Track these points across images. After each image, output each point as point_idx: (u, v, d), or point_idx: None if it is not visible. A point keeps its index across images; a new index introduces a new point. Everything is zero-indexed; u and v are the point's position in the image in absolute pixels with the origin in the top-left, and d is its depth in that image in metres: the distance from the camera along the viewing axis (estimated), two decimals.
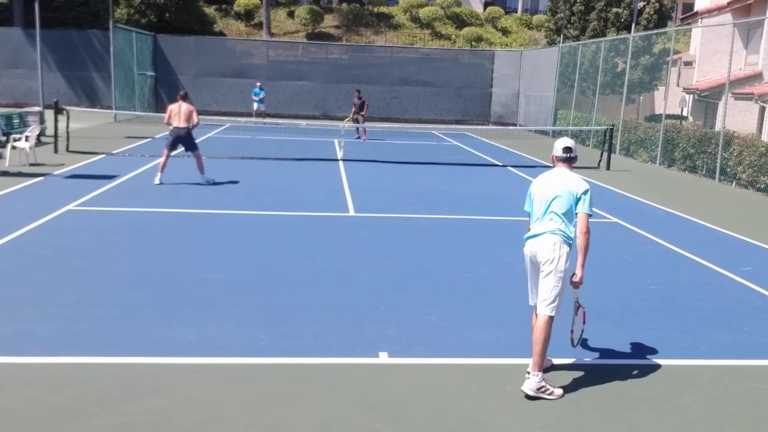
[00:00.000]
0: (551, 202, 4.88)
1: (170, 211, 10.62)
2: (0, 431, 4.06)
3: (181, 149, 13.51)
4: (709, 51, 25.61)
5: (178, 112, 12.83)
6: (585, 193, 4.85)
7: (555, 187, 4.91)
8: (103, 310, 6.07)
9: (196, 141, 13.45)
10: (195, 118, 12.97)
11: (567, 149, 5.02)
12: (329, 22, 39.74)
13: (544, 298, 4.83)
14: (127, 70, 28.61)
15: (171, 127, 12.92)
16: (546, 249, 4.82)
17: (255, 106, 28.32)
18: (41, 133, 17.77)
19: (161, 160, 12.98)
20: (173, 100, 13.34)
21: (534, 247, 4.90)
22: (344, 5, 41.21)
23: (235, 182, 13.42)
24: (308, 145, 21.35)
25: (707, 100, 24.70)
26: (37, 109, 19.78)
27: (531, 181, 5.31)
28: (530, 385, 4.71)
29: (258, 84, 28.99)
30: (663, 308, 6.83)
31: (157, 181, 12.73)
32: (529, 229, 5.05)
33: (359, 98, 23.31)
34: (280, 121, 24.47)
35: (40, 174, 13.32)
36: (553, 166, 5.15)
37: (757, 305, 7.08)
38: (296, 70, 33.67)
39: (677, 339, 6.00)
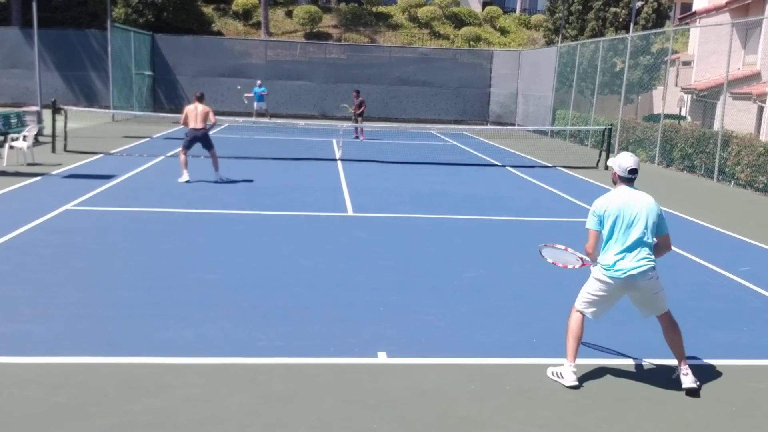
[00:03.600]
0: (637, 225, 4.84)
1: (168, 210, 10.61)
2: (0, 431, 4.06)
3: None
4: (708, 51, 25.64)
5: (195, 114, 12.88)
6: (661, 212, 4.96)
7: (638, 209, 4.86)
8: (101, 310, 6.06)
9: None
10: (212, 118, 13.08)
11: (633, 171, 4.93)
12: (328, 22, 39.72)
13: (662, 307, 5.07)
14: (125, 70, 28.58)
15: (187, 129, 12.97)
16: (652, 281, 4.89)
17: (255, 105, 27.50)
18: (39, 133, 17.75)
19: (181, 158, 13.15)
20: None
21: (636, 282, 4.85)
22: (343, 5, 41.19)
23: (234, 182, 13.41)
24: (307, 144, 21.35)
25: (705, 99, 24.72)
26: (34, 108, 19.76)
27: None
28: (694, 378, 4.93)
29: (258, 82, 28.24)
30: None
31: (185, 178, 12.92)
32: (596, 250, 5.00)
33: (357, 98, 23.39)
34: (279, 120, 24.44)
35: (38, 174, 13.30)
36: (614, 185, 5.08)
37: (755, 305, 7.09)
38: (295, 69, 33.66)
39: None
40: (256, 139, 22.35)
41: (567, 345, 5.02)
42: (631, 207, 4.87)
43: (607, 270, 4.89)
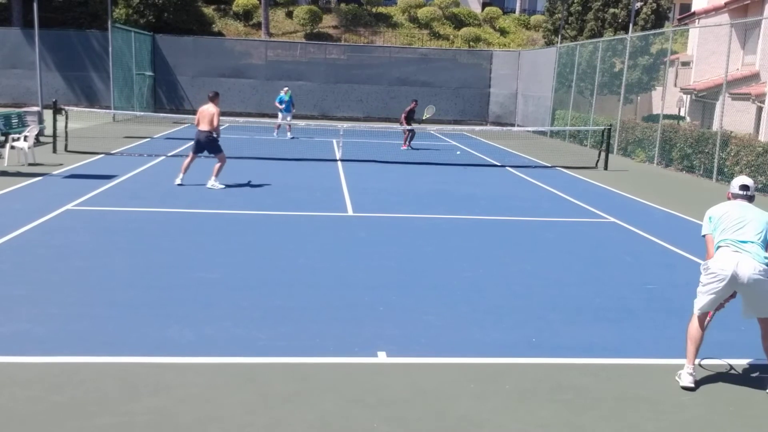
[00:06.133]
0: (748, 225, 5.08)
1: (169, 210, 10.63)
2: (0, 431, 4.07)
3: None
4: (707, 51, 25.66)
5: (201, 114, 12.46)
6: None
7: (748, 214, 5.15)
8: (101, 310, 6.08)
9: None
10: (214, 122, 12.32)
11: (744, 187, 5.30)
12: (328, 22, 39.74)
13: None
14: (126, 70, 28.59)
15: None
16: (759, 274, 4.94)
17: (279, 116, 23.14)
18: (40, 133, 17.75)
19: (185, 161, 12.92)
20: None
21: (742, 270, 4.94)
22: (343, 5, 41.20)
23: (234, 182, 13.41)
24: (307, 145, 21.36)
25: (704, 100, 24.74)
26: (35, 108, 19.78)
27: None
28: None
29: (285, 89, 23.46)
30: (660, 308, 6.85)
31: (178, 181, 12.67)
32: (713, 250, 5.16)
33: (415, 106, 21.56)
34: (278, 121, 24.42)
35: (39, 174, 13.31)
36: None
37: None
38: (295, 70, 33.66)
39: (674, 338, 6.00)
40: (256, 139, 22.35)
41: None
42: (736, 211, 5.21)
43: None
